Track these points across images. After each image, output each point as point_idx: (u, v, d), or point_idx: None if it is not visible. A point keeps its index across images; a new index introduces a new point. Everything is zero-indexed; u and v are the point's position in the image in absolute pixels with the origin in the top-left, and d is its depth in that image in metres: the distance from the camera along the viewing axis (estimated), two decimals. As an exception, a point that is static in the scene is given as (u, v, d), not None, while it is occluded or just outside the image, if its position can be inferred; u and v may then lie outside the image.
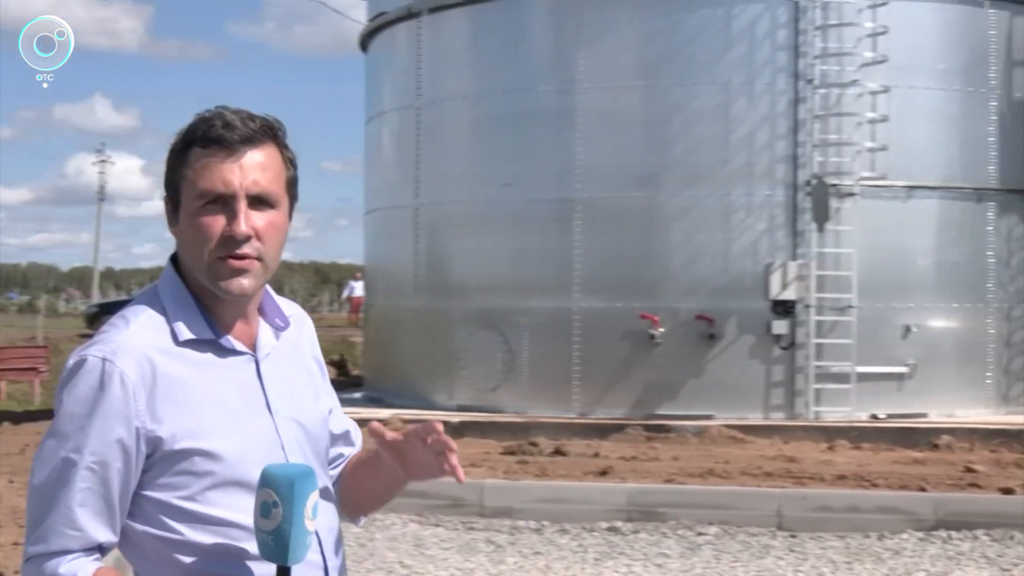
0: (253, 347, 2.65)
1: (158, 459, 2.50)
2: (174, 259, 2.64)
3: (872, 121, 16.85)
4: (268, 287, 2.71)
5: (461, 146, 18.51)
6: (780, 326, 16.59)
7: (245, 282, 2.54)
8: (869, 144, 16.81)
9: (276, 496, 2.35)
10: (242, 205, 2.51)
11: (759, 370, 16.75)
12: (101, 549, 2.51)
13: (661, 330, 16.59)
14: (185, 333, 2.55)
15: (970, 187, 17.59)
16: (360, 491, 2.89)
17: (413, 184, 18.89)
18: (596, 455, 14.04)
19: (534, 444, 14.58)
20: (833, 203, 16.62)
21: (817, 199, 16.50)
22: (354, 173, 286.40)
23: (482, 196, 18.00)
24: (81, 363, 2.49)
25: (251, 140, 2.54)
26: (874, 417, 16.53)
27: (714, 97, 16.95)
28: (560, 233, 17.30)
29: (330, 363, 28.86)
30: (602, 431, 15.66)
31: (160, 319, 2.56)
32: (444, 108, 18.70)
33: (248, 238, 2.51)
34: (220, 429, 2.52)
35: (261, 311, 2.71)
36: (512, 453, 14.26)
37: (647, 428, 15.67)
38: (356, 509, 2.94)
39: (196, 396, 2.52)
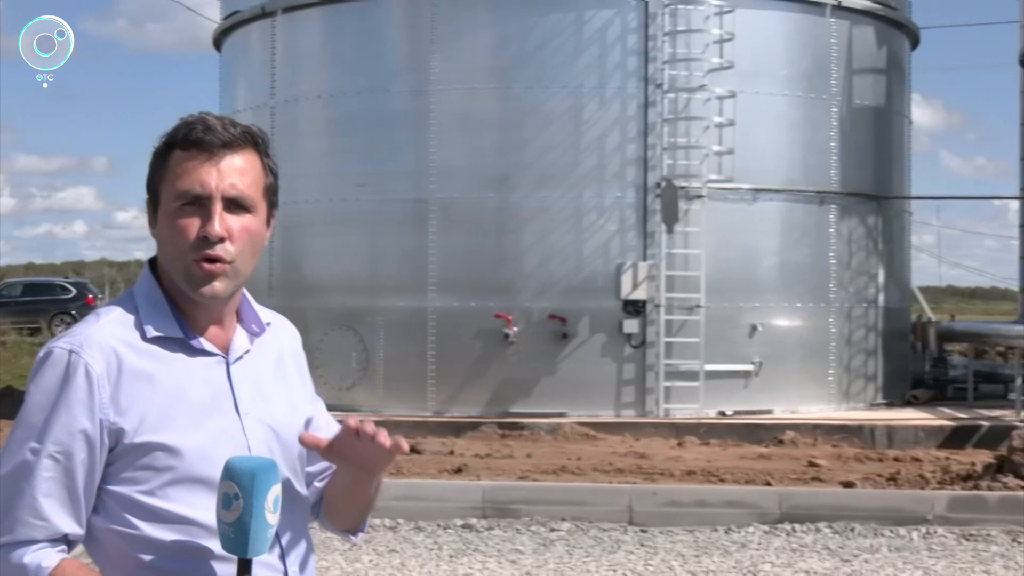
0: (226, 350, 2.64)
1: (120, 452, 2.49)
2: (152, 262, 2.64)
3: (719, 125, 17.11)
4: (247, 293, 2.72)
5: (316, 146, 18.35)
6: (631, 325, 16.75)
7: (217, 285, 2.54)
8: (716, 148, 17.06)
9: (237, 488, 2.33)
10: (217, 207, 2.52)
11: (611, 368, 16.89)
12: (67, 541, 2.50)
13: (515, 329, 16.64)
14: (153, 330, 2.55)
15: (812, 190, 17.96)
16: (335, 498, 2.86)
17: (268, 184, 18.63)
18: (451, 453, 14.03)
19: (389, 443, 14.49)
20: (682, 205, 16.83)
21: (666, 201, 16.70)
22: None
23: (337, 196, 17.87)
24: (48, 355, 2.51)
25: (230, 145, 2.55)
26: (722, 414, 16.79)
27: (566, 100, 17.05)
28: (415, 233, 17.25)
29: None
30: (457, 429, 15.67)
31: (131, 317, 2.57)
32: (299, 108, 18.53)
33: (221, 239, 2.52)
34: (182, 425, 2.51)
35: (239, 316, 2.70)
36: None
37: (501, 426, 15.72)
38: (342, 520, 2.90)
39: (160, 392, 2.51)
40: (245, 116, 19.47)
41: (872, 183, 18.95)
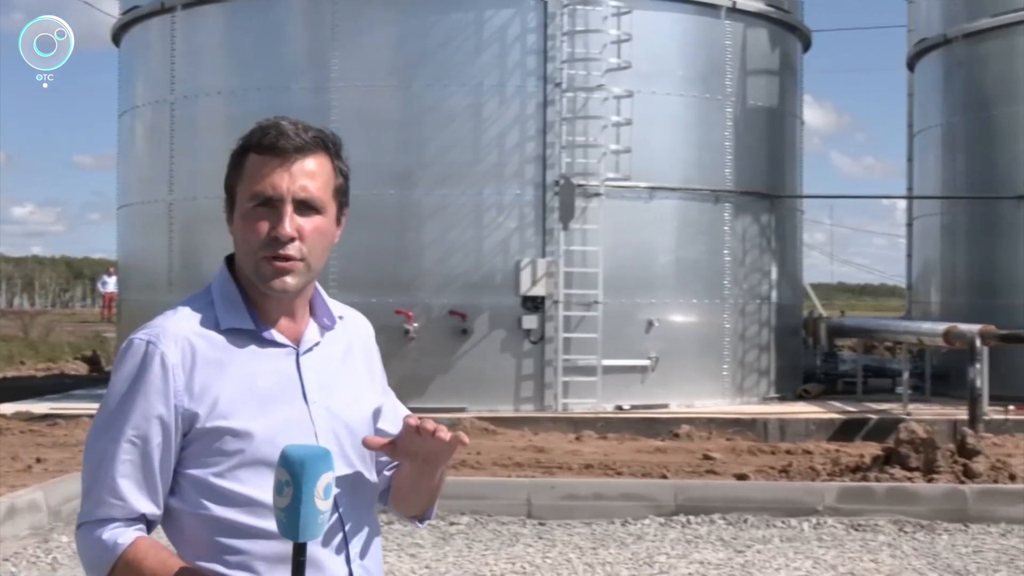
0: (297, 341, 2.76)
1: (193, 437, 2.63)
2: (229, 258, 2.79)
3: (617, 124, 17.22)
4: (321, 289, 2.88)
5: (216, 142, 18.05)
6: (530, 321, 16.80)
7: (288, 280, 2.68)
8: (614, 146, 17.17)
9: (288, 475, 2.41)
10: (287, 209, 2.65)
11: (510, 364, 16.93)
12: (146, 521, 2.65)
13: (415, 325, 16.62)
14: (227, 322, 2.70)
15: (708, 189, 18.15)
16: (402, 488, 2.94)
17: (167, 179, 18.45)
18: (351, 448, 13.95)
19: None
20: (580, 203, 16.92)
21: (564, 199, 16.77)
22: (107, 167, 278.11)
23: (237, 192, 17.68)
24: (128, 345, 2.67)
25: (302, 149, 2.68)
26: (619, 408, 16.91)
27: (466, 98, 17.05)
28: (316, 230, 17.11)
29: (82, 359, 28.03)
30: (357, 425, 15.60)
31: (206, 309, 2.72)
32: (198, 104, 18.33)
33: (291, 240, 2.65)
34: (251, 411, 2.64)
35: (312, 310, 2.83)
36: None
37: (401, 421, 15.67)
38: (409, 508, 2.99)
39: (231, 380, 2.65)
40: (145, 111, 19.27)
41: (765, 182, 19.20)
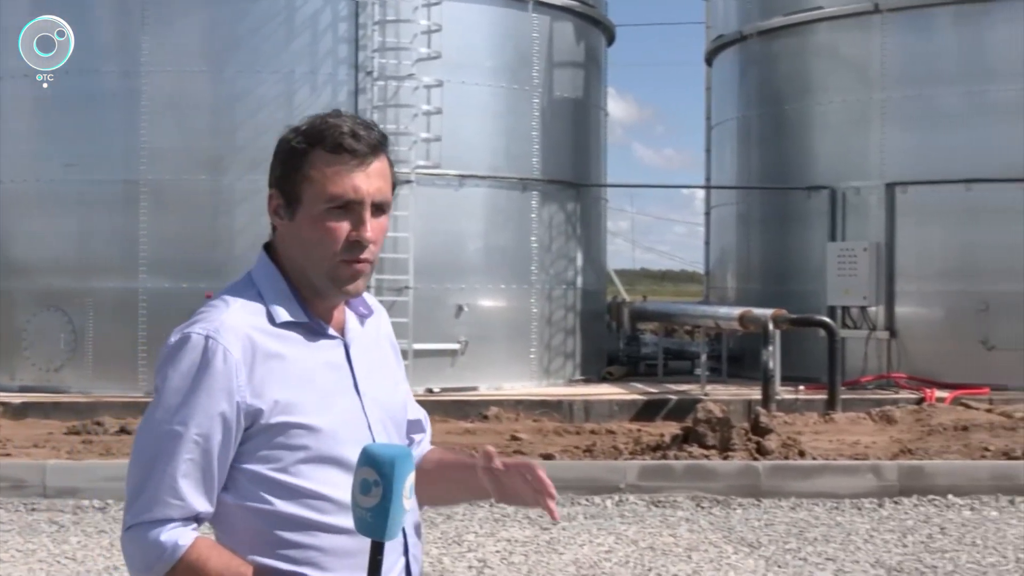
0: (342, 332, 2.73)
1: (255, 432, 2.56)
2: (267, 247, 2.71)
3: (427, 113, 17.23)
4: None
5: (22, 125, 17.59)
6: (341, 306, 16.70)
7: (361, 284, 2.66)
8: (424, 135, 17.18)
9: (377, 475, 2.37)
10: (368, 212, 2.60)
11: (322, 348, 16.79)
12: (198, 519, 2.57)
13: (227, 310, 16.37)
14: (282, 315, 2.62)
15: (516, 177, 18.30)
16: (436, 487, 2.90)
17: (-29, 163, 17.82)
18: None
19: (99, 424, 14.10)
20: (391, 190, 16.86)
21: (376, 186, 16.70)
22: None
23: (45, 176, 17.19)
24: (185, 340, 2.55)
25: (375, 150, 2.62)
26: (429, 391, 16.94)
27: (277, 85, 16.86)
28: (126, 215, 16.76)
29: None
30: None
31: (257, 303, 2.63)
32: (3, 86, 17.71)
33: (371, 243, 2.61)
34: (314, 406, 2.59)
35: (347, 301, 2.77)
36: (76, 433, 13.75)
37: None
38: (426, 500, 2.92)
39: (292, 374, 2.59)
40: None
41: (571, 171, 19.43)
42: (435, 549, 9.08)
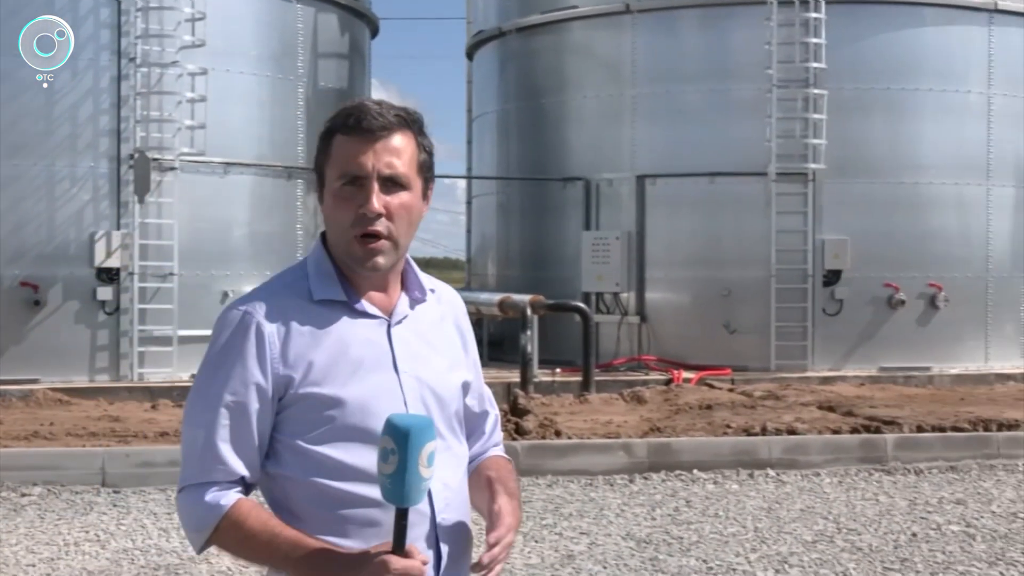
0: (389, 313, 2.78)
1: (288, 402, 2.66)
2: (323, 235, 2.81)
3: (192, 101, 16.84)
4: (413, 263, 2.86)
5: None
6: (105, 292, 16.26)
7: (379, 260, 2.70)
8: (189, 122, 16.80)
9: (393, 443, 2.44)
10: (374, 185, 2.67)
11: (85, 334, 16.32)
12: (245, 483, 2.68)
13: (-15, 297, 15.74)
14: (319, 293, 2.73)
15: (281, 165, 18.09)
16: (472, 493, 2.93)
17: None
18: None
19: None
20: (154, 176, 16.48)
21: (139, 172, 16.30)
22: None
23: None
24: (224, 315, 2.74)
25: (387, 128, 2.69)
26: (193, 377, 16.59)
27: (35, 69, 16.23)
28: None
29: None
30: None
31: (301, 281, 2.76)
32: None
33: (378, 216, 2.67)
34: (343, 379, 2.67)
35: (404, 284, 2.84)
36: None
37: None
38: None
39: (324, 349, 2.68)
40: None
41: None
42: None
